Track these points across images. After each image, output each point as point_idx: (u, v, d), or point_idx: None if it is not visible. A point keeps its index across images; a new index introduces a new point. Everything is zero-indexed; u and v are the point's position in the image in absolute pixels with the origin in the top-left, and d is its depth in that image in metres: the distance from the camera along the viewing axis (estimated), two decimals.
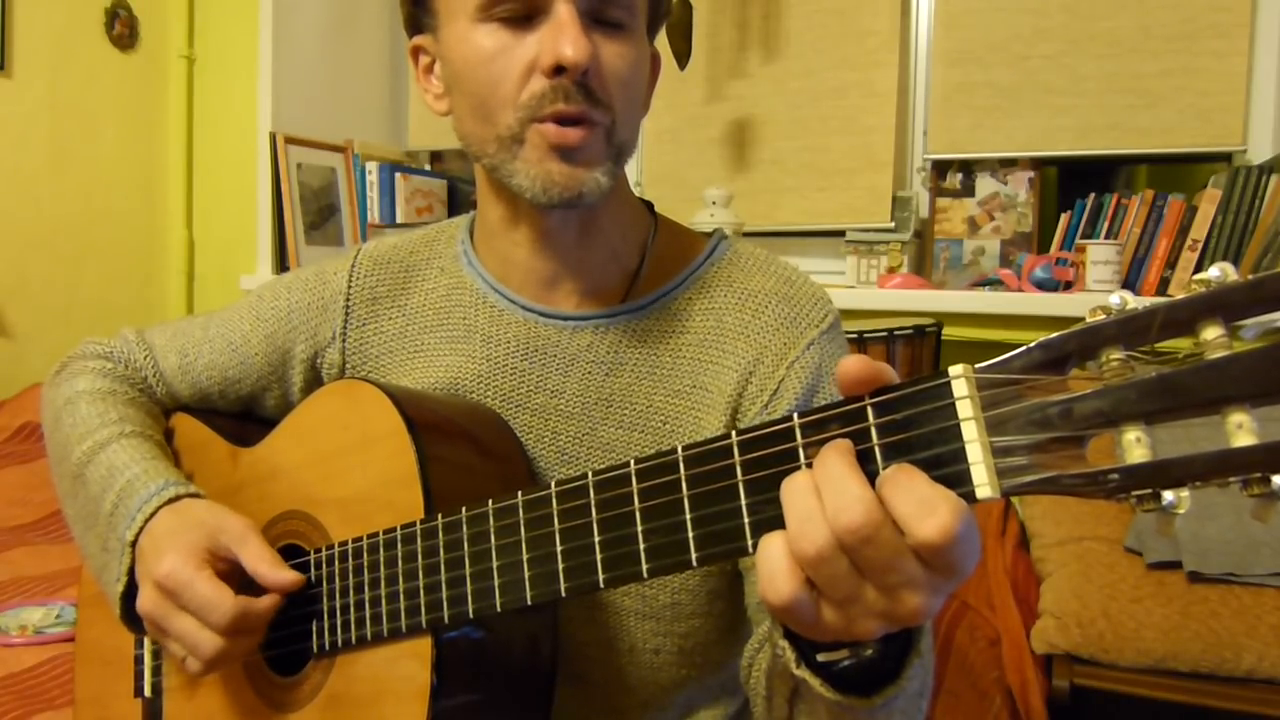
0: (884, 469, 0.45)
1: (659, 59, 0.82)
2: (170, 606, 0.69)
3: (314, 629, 0.72)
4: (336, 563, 0.71)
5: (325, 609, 0.72)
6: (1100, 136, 2.03)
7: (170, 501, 0.75)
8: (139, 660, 0.85)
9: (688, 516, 0.52)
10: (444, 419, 0.74)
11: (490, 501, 0.62)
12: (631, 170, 2.31)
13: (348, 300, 0.86)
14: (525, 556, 0.60)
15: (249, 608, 0.68)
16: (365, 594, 0.69)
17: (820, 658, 0.52)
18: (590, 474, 0.56)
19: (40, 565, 1.49)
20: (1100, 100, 2.02)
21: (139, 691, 0.85)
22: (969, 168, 2.16)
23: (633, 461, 0.54)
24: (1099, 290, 1.82)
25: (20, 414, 2.18)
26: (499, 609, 0.61)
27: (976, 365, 0.44)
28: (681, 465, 0.52)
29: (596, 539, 0.56)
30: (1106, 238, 1.90)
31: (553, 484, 0.59)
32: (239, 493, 0.82)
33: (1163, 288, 1.86)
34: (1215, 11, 1.92)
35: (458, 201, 2.68)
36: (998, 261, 2.11)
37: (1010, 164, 2.12)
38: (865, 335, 1.78)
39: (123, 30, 2.62)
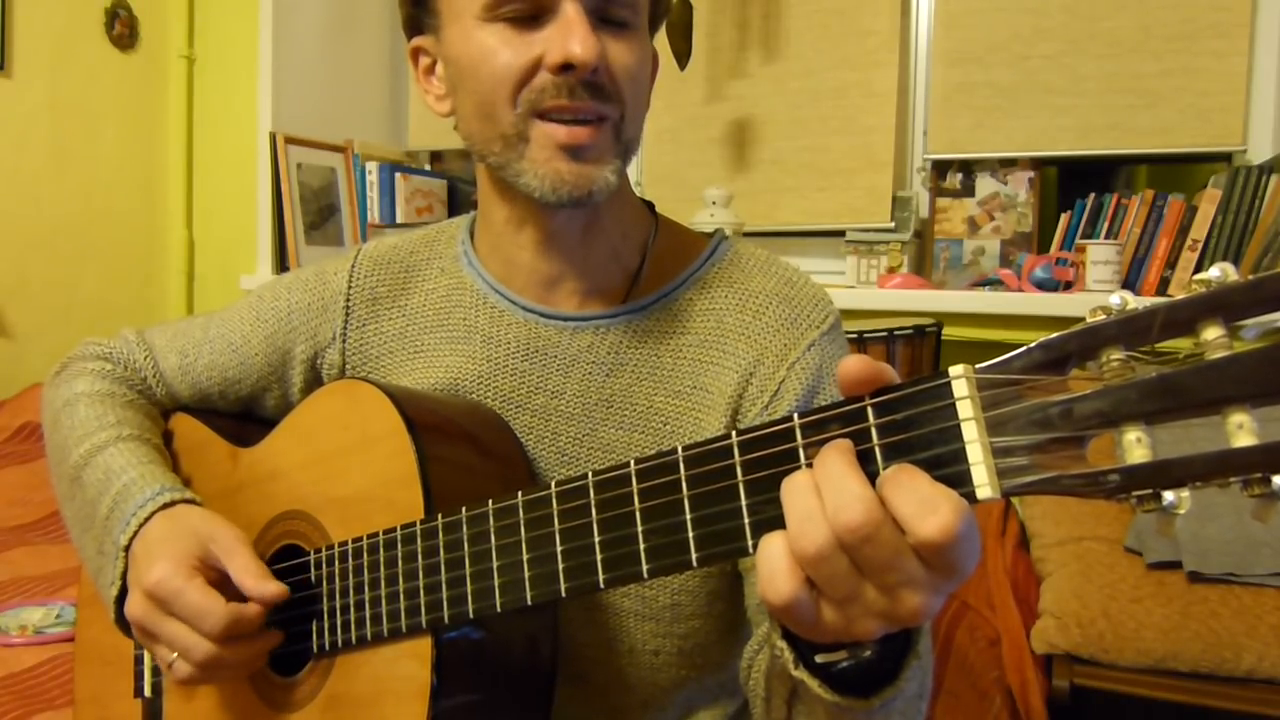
0: (884, 469, 0.45)
1: (658, 58, 0.82)
2: (159, 614, 0.69)
3: (314, 629, 0.72)
4: (336, 563, 0.71)
5: (325, 609, 0.72)
6: (1100, 136, 2.03)
7: (165, 507, 0.75)
8: (139, 660, 0.85)
9: (688, 517, 0.52)
10: (444, 419, 0.74)
11: (490, 501, 0.62)
12: (631, 170, 2.29)
13: (348, 300, 0.86)
14: (525, 557, 0.60)
15: (240, 614, 0.68)
16: (365, 594, 0.69)
17: (819, 659, 0.52)
18: (590, 474, 0.56)
19: (40, 565, 1.49)
20: (1100, 100, 2.02)
21: (139, 691, 0.85)
22: (969, 168, 2.16)
23: (633, 462, 0.54)
24: (1099, 290, 1.82)
25: (20, 414, 2.18)
26: (499, 609, 0.61)
27: (977, 365, 0.44)
28: (682, 465, 0.52)
29: (596, 539, 0.56)
30: (1106, 238, 1.90)
31: (553, 484, 0.59)
32: (239, 493, 0.82)
33: (1163, 288, 1.86)
34: (1215, 11, 1.92)
35: (458, 201, 2.68)
36: (998, 261, 2.11)
37: (1010, 164, 2.12)
38: (865, 335, 1.77)
39: (123, 30, 2.62)
